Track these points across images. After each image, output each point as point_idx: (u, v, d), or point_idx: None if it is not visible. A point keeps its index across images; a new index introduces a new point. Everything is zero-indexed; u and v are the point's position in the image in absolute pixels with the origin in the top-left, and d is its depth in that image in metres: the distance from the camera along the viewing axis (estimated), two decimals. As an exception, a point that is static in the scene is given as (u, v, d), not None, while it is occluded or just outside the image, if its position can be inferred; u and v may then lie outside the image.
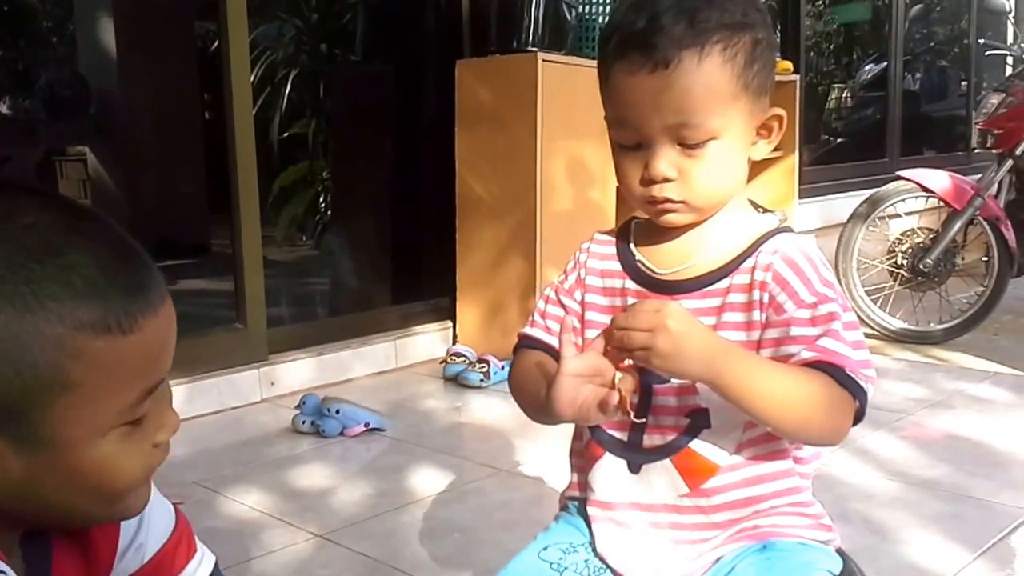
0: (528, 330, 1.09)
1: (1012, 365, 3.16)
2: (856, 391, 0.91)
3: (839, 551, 1.03)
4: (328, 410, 2.57)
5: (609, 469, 1.02)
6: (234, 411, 2.80)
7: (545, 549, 1.04)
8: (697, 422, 0.97)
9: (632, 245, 1.04)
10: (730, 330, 0.96)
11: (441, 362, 3.21)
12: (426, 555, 1.84)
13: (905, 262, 3.61)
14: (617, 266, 1.04)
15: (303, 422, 2.59)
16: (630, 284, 1.02)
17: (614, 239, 1.07)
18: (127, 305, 0.68)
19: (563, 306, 1.06)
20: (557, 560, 1.02)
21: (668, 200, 0.96)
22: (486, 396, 2.94)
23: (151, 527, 0.87)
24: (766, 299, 0.94)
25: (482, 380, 3.00)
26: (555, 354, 1.04)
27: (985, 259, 3.51)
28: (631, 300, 1.01)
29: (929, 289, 3.61)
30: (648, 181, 0.95)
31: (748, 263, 0.97)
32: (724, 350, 0.89)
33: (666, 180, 0.94)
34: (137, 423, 0.72)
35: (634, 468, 1.00)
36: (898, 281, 3.64)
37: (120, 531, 0.84)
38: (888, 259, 3.67)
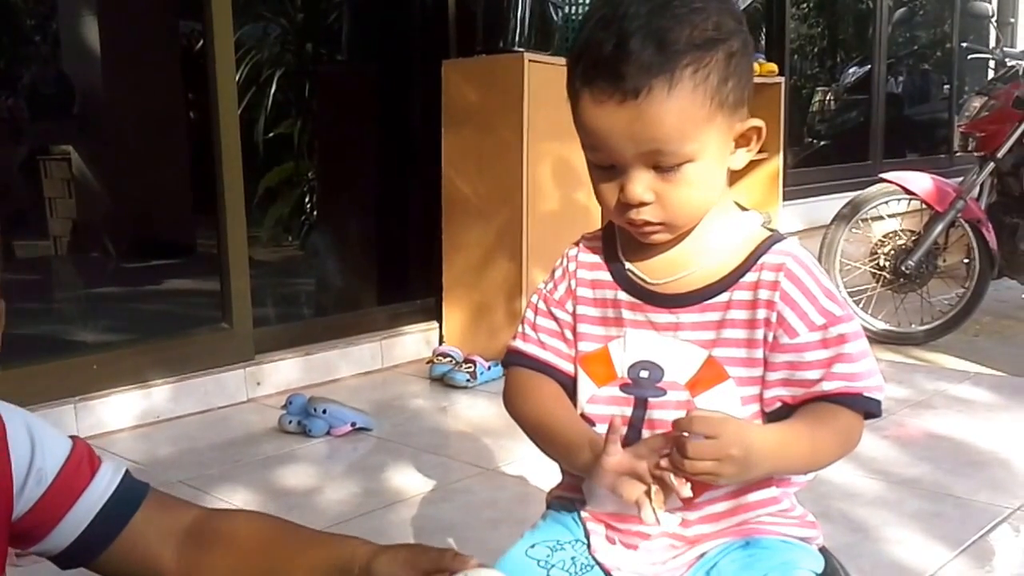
0: (520, 345, 1.06)
1: (992, 366, 3.19)
2: (872, 407, 0.95)
3: (822, 549, 1.03)
4: (315, 410, 2.57)
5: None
6: (220, 411, 2.79)
7: (532, 547, 1.04)
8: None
9: (620, 254, 1.02)
10: (730, 346, 0.96)
11: (427, 362, 3.21)
12: (412, 554, 1.84)
13: (887, 264, 3.63)
14: (607, 276, 1.02)
15: (289, 422, 2.59)
16: (622, 295, 1.01)
17: (600, 245, 1.05)
18: None
19: (555, 319, 1.04)
20: (544, 558, 1.02)
21: (647, 223, 0.94)
22: (472, 396, 2.95)
23: (46, 452, 0.88)
24: (774, 319, 0.95)
25: (468, 380, 3.01)
26: (551, 373, 1.04)
27: (966, 261, 3.54)
28: (625, 312, 1.00)
29: (911, 291, 3.63)
30: (625, 205, 0.94)
31: (749, 278, 0.96)
32: (777, 446, 0.91)
33: (642, 204, 0.93)
34: None
35: None
36: (880, 283, 3.67)
37: (12, 465, 0.85)
38: (870, 261, 3.70)
